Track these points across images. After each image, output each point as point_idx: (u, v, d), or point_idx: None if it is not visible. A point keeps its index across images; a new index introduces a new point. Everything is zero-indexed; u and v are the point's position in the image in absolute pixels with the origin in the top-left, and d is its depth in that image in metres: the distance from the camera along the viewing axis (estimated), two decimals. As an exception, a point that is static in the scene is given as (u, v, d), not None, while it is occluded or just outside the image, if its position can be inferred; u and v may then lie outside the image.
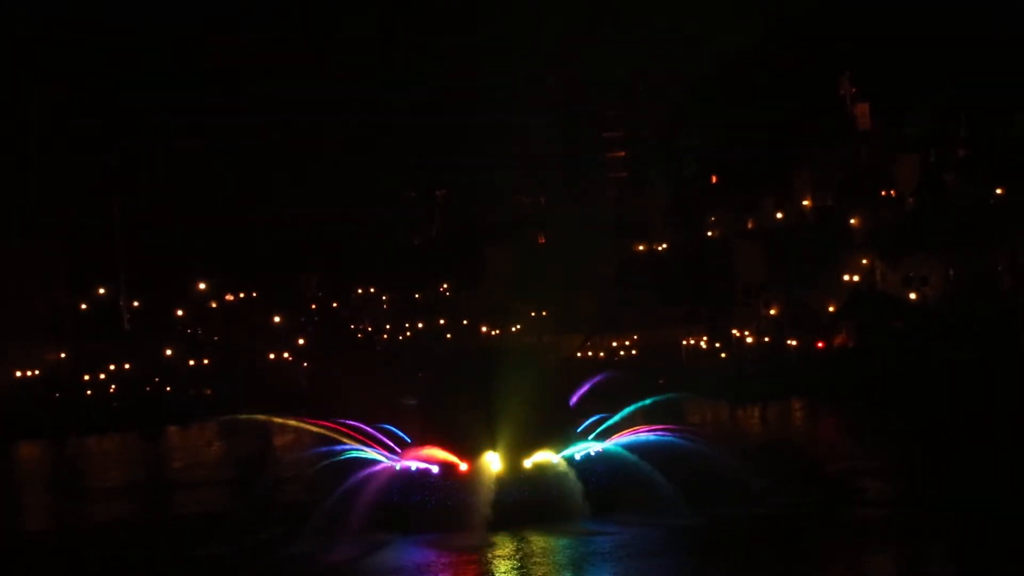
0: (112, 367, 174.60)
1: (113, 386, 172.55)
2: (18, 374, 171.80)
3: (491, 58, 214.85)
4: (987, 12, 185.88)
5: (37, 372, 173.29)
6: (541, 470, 63.48)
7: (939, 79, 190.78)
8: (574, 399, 70.85)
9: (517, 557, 55.51)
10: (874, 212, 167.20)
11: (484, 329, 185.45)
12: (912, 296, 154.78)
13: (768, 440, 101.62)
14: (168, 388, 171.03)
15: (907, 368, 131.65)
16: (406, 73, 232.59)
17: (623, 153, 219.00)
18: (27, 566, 63.32)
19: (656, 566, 52.72)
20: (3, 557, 66.33)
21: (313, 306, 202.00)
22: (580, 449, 65.78)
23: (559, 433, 65.93)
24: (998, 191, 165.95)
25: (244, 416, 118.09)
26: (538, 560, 54.80)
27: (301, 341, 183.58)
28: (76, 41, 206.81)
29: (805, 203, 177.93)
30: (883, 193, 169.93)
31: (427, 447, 64.98)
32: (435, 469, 63.99)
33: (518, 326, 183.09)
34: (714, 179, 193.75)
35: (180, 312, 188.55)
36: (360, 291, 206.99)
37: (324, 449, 68.67)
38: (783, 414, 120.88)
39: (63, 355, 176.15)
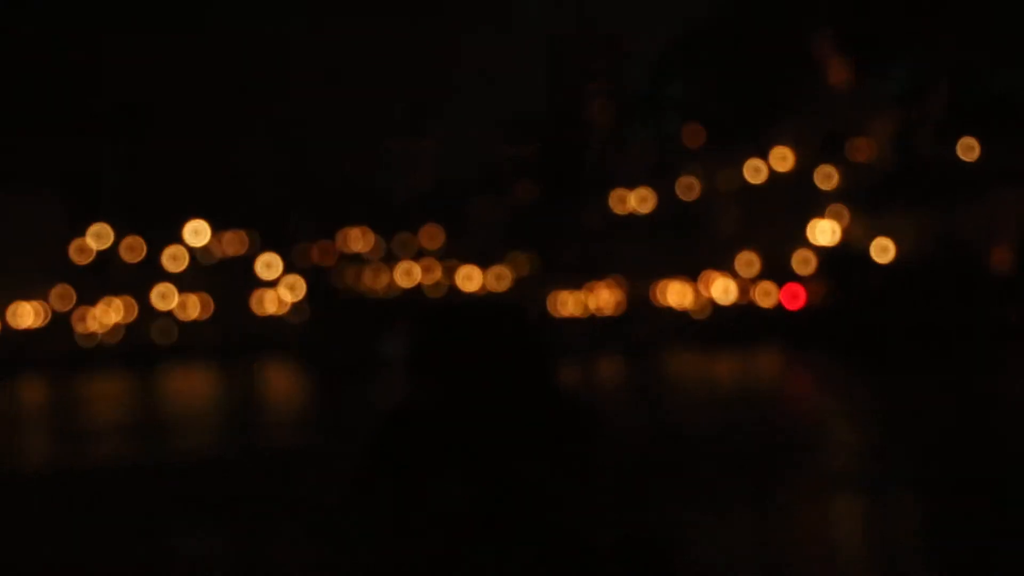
0: (105, 308, 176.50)
1: (106, 327, 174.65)
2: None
3: (476, 9, 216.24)
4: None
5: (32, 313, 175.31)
6: None
7: (919, 37, 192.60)
8: None
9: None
10: (851, 169, 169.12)
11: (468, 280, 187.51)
12: (889, 253, 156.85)
13: (741, 389, 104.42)
14: (160, 330, 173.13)
15: (877, 323, 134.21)
16: (392, 19, 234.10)
17: (608, 106, 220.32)
18: (17, 506, 65.39)
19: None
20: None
21: (299, 252, 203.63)
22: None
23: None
24: (976, 149, 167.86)
25: None
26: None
27: (289, 287, 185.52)
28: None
29: (784, 159, 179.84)
30: (860, 150, 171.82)
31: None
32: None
33: (501, 276, 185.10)
34: (695, 133, 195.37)
35: (172, 255, 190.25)
36: (345, 239, 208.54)
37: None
38: (757, 367, 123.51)
39: (59, 295, 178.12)
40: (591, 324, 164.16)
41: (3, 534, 58.44)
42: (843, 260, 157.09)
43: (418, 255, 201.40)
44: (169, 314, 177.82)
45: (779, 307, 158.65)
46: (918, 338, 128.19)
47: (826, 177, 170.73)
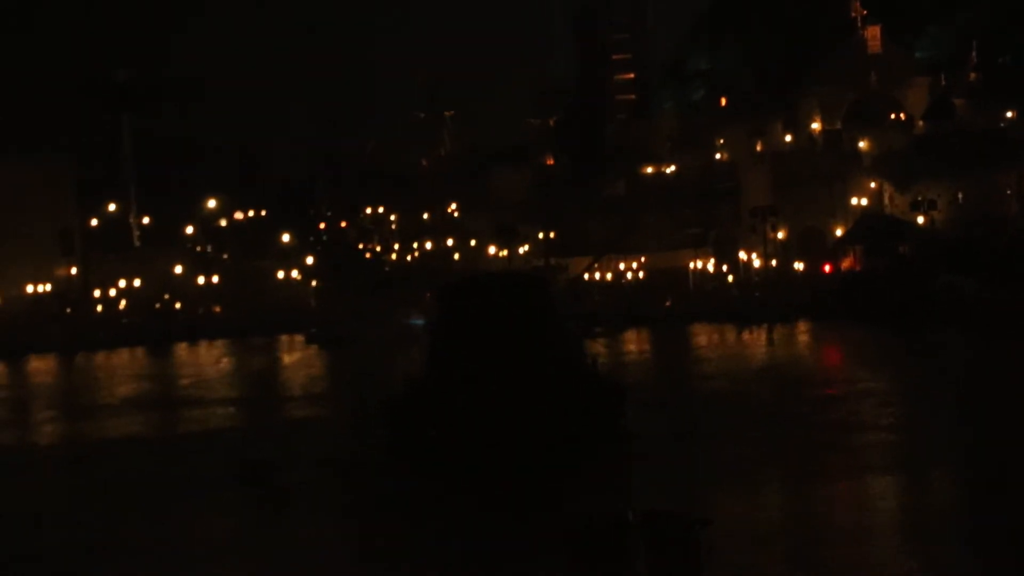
0: (122, 283, 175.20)
1: (123, 302, 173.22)
2: (29, 289, 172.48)
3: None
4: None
5: (48, 287, 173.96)
6: None
7: (951, 3, 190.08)
8: None
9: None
10: (883, 136, 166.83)
11: (492, 251, 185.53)
12: (920, 220, 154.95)
13: (773, 363, 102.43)
14: (177, 305, 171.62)
15: (910, 292, 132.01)
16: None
17: (632, 76, 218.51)
18: (32, 480, 63.98)
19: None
20: (9, 470, 67.06)
21: (322, 225, 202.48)
22: None
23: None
24: (1008, 115, 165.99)
25: None
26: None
27: (310, 260, 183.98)
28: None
29: (814, 126, 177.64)
30: (892, 117, 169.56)
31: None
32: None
33: (526, 247, 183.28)
34: (723, 102, 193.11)
35: (190, 229, 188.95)
36: (368, 211, 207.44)
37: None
38: (789, 337, 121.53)
39: (73, 271, 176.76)
40: (617, 295, 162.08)
41: (32, 506, 57.18)
42: (876, 227, 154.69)
43: (441, 227, 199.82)
44: (185, 289, 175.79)
45: (811, 275, 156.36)
46: (952, 306, 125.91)
47: (857, 144, 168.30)
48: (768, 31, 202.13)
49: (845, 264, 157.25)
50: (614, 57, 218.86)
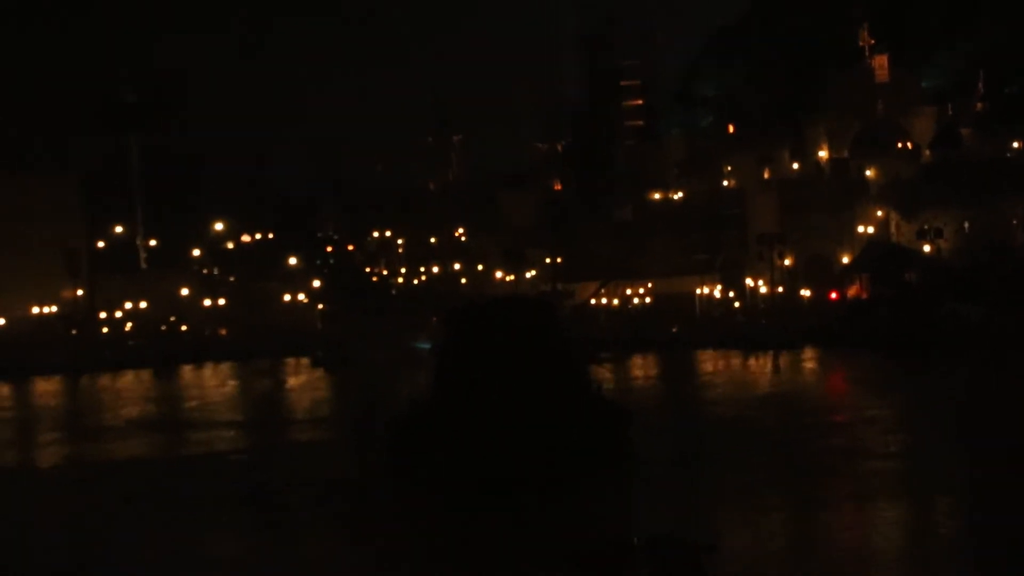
0: (128, 305, 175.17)
1: (129, 324, 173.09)
2: (35, 310, 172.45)
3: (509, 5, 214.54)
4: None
5: (54, 309, 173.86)
6: None
7: (958, 32, 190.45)
8: None
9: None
10: (890, 164, 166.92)
11: (499, 275, 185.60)
12: (927, 248, 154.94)
13: (778, 389, 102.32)
14: (183, 327, 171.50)
15: (916, 320, 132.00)
16: (427, 16, 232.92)
17: (640, 101, 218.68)
18: (36, 498, 64.01)
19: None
20: (14, 489, 67.10)
21: (329, 248, 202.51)
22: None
23: None
24: (1015, 145, 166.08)
25: None
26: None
27: (316, 283, 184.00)
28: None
29: (821, 154, 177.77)
30: (899, 145, 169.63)
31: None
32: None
33: (533, 272, 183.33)
34: (731, 129, 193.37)
35: (196, 252, 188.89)
36: (376, 234, 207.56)
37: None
38: (795, 364, 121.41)
39: (80, 292, 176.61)
40: (624, 320, 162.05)
41: (31, 527, 57.17)
42: (883, 255, 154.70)
43: (448, 251, 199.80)
44: (191, 312, 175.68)
45: (817, 302, 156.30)
46: (958, 334, 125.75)
47: (864, 172, 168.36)
48: (776, 58, 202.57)
49: (851, 291, 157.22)
50: (622, 83, 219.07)
